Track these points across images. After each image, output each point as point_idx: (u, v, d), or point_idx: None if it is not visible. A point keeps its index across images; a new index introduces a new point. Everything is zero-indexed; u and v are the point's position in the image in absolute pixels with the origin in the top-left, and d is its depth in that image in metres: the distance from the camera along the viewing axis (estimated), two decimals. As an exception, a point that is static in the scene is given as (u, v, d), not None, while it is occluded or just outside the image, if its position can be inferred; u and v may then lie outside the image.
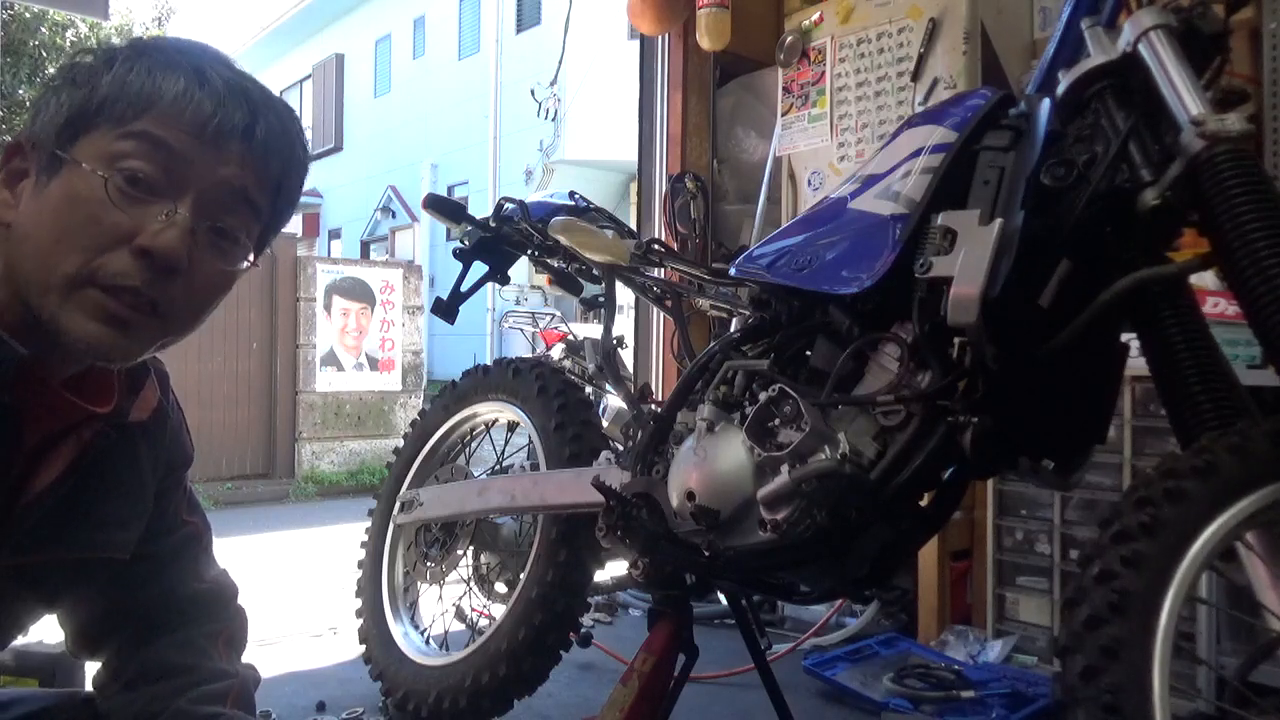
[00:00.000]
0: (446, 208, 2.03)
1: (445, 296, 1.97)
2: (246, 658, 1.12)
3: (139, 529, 0.99)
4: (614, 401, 1.84)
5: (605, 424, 1.79)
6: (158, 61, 0.82)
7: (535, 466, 1.84)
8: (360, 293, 6.19)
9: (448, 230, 3.21)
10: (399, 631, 1.97)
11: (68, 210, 0.79)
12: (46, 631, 1.12)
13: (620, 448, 1.71)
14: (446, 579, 1.95)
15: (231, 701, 1.01)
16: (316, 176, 17.18)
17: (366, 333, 6.21)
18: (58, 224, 0.79)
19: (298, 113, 0.95)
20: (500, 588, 1.88)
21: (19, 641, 1.87)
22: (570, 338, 6.86)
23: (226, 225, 0.85)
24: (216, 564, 1.13)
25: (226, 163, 0.84)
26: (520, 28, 13.44)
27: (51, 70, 8.85)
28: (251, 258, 0.89)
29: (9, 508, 0.85)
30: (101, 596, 1.02)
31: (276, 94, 0.91)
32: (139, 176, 0.80)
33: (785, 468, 1.22)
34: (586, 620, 1.74)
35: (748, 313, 1.50)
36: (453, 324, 2.01)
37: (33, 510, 0.87)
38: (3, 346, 0.79)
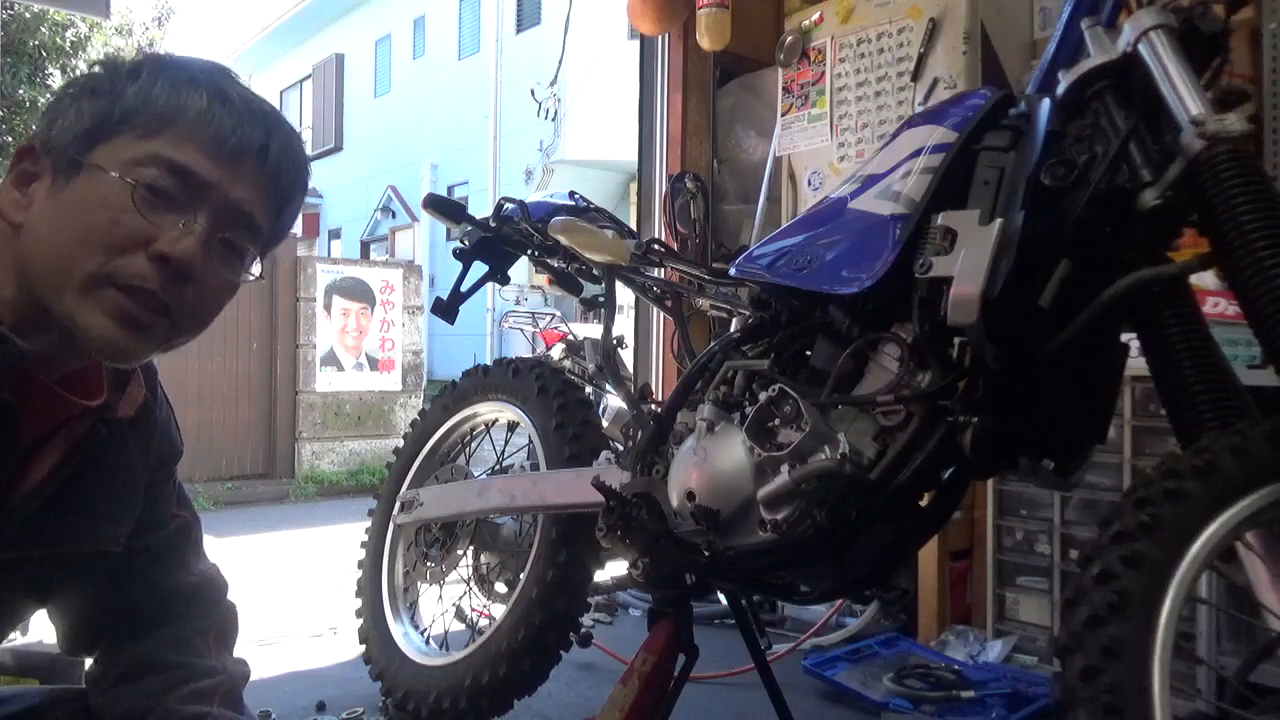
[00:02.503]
0: (446, 208, 2.03)
1: (445, 296, 1.97)
2: (247, 658, 1.12)
3: (130, 523, 1.01)
4: (614, 401, 1.84)
5: (605, 424, 1.79)
6: (180, 78, 0.86)
7: (535, 466, 1.84)
8: (360, 293, 6.19)
9: (448, 230, 3.21)
10: (399, 631, 1.97)
11: (88, 212, 0.82)
12: (47, 631, 1.12)
13: (620, 448, 1.71)
14: (446, 579, 1.95)
15: (219, 699, 1.02)
16: (316, 176, 17.06)
17: (366, 333, 6.21)
18: (77, 225, 0.82)
19: (298, 113, 0.98)
20: (500, 588, 1.88)
21: (19, 641, 1.88)
22: (570, 338, 6.86)
23: (236, 238, 0.89)
24: (207, 559, 1.14)
25: (240, 181, 0.87)
26: (520, 28, 13.44)
27: (52, 70, 8.86)
28: (258, 269, 0.93)
29: (2, 504, 0.86)
30: (93, 591, 1.03)
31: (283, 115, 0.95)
32: (159, 186, 0.83)
33: (785, 468, 1.22)
34: (586, 620, 1.74)
35: (748, 313, 1.50)
36: (453, 324, 2.01)
37: (25, 506, 0.88)
38: (6, 344, 0.80)
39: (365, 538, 2.11)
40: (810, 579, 1.41)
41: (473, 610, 1.98)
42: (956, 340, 1.12)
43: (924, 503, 1.32)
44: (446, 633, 2.00)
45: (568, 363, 3.73)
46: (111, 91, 0.84)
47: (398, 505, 2.04)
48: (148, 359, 0.92)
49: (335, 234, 17.48)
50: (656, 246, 1.79)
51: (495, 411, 2.00)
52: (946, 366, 1.15)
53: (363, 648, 2.01)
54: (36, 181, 0.85)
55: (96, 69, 0.88)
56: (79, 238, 0.82)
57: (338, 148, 17.32)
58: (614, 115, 8.96)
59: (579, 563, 1.66)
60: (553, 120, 11.28)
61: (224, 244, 0.88)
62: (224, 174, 0.86)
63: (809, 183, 2.86)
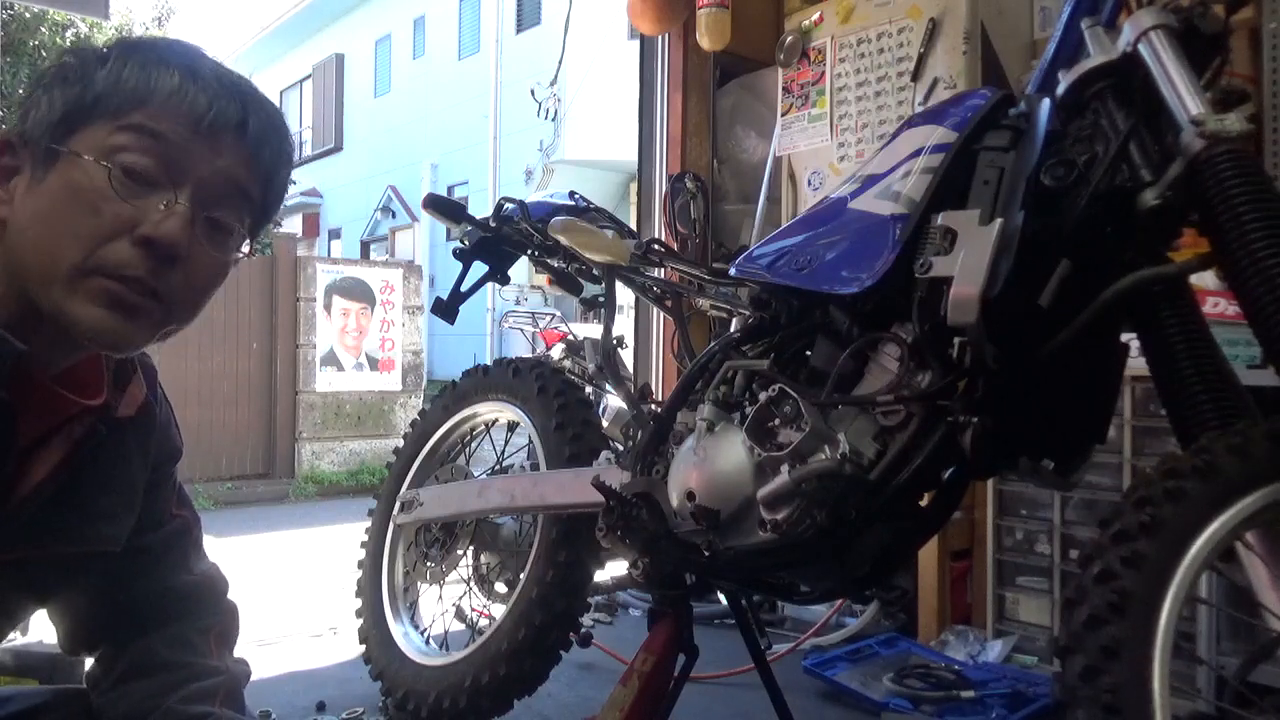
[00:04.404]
0: (446, 208, 2.03)
1: (445, 296, 1.97)
2: (247, 658, 1.12)
3: (130, 522, 1.00)
4: (614, 401, 1.84)
5: (605, 424, 1.79)
6: (150, 58, 0.84)
7: (535, 466, 1.84)
8: (360, 293, 6.19)
9: (448, 230, 3.22)
10: (399, 631, 1.97)
11: (68, 201, 0.80)
12: (47, 631, 1.12)
13: (620, 448, 1.71)
14: (446, 579, 1.95)
15: (221, 699, 1.02)
16: (317, 176, 17.19)
17: (366, 333, 6.21)
18: (58, 215, 0.80)
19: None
20: (500, 588, 1.88)
21: (19, 641, 1.88)
22: (570, 338, 6.86)
23: (222, 216, 0.87)
24: (207, 558, 1.13)
25: (221, 155, 0.85)
26: (520, 28, 13.44)
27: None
28: (247, 247, 0.91)
29: (2, 504, 0.86)
30: (93, 591, 1.02)
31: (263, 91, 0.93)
32: (137, 168, 0.81)
33: (785, 468, 1.22)
34: (586, 620, 1.74)
35: (748, 313, 1.50)
36: (453, 324, 2.01)
37: (26, 506, 0.87)
38: (2, 342, 0.80)
39: (365, 538, 2.11)
40: (810, 579, 1.41)
41: (473, 610, 1.98)
42: (956, 340, 1.12)
43: (924, 503, 1.32)
44: (446, 633, 2.00)
45: (568, 363, 3.74)
46: (82, 78, 0.82)
47: (398, 505, 2.04)
48: (143, 346, 0.90)
49: (335, 234, 17.49)
50: (656, 246, 1.79)
51: (495, 411, 2.00)
52: (946, 366, 1.14)
53: (363, 648, 2.01)
54: (17, 176, 0.83)
55: (68, 58, 0.85)
56: (61, 229, 0.80)
57: (338, 148, 17.33)
58: (614, 115, 8.97)
59: (579, 563, 1.66)
60: (553, 120, 11.28)
61: (210, 223, 0.86)
62: (203, 149, 0.83)
63: (809, 183, 2.86)
